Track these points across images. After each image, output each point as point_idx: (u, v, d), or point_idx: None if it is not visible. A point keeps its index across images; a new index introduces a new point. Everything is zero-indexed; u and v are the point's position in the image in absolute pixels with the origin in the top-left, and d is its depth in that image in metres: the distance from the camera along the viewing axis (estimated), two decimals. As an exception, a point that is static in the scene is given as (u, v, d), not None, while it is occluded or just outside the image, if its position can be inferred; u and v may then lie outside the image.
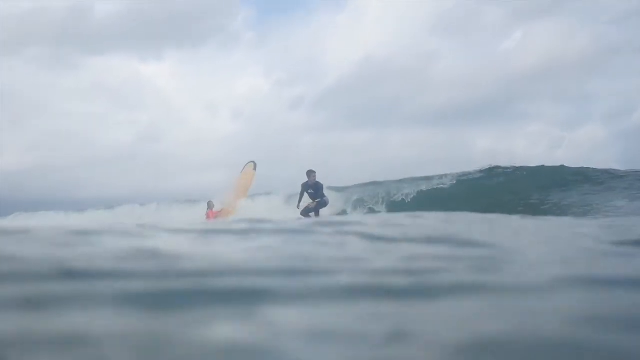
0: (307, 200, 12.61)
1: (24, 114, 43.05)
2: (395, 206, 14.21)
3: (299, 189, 12.78)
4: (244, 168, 16.11)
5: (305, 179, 12.71)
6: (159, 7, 47.49)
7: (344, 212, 14.25)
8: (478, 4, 44.85)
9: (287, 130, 40.81)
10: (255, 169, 15.83)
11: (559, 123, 42.41)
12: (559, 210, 11.70)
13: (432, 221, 3.95)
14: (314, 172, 12.80)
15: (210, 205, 14.66)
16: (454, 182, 14.35)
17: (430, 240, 2.63)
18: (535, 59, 42.91)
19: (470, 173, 14.72)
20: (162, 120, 45.55)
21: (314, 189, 12.64)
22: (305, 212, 12.60)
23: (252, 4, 55.13)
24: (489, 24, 44.88)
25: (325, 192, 12.85)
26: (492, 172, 14.64)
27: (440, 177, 14.61)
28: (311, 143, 37.61)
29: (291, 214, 12.44)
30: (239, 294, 1.34)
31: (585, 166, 14.70)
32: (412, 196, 14.44)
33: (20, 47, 51.63)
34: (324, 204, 12.83)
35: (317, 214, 12.66)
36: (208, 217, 14.13)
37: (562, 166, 14.62)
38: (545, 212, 11.06)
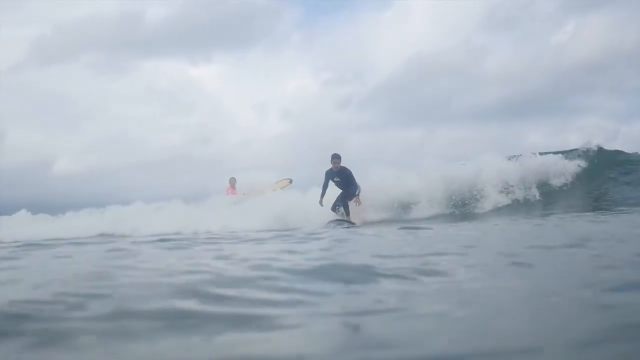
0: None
1: (80, 118, 44.48)
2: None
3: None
4: (280, 180, 15.60)
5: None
6: (207, 11, 47.54)
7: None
8: (529, -4, 42.62)
9: (335, 129, 40.77)
10: (290, 183, 15.24)
11: (613, 116, 40.56)
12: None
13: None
14: (338, 156, 10.82)
15: (231, 182, 14.63)
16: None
17: None
18: (588, 52, 40.61)
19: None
20: (212, 122, 46.78)
21: (340, 176, 10.74)
22: (335, 207, 10.85)
23: (298, 5, 54.53)
24: (541, 17, 42.99)
25: (358, 180, 10.90)
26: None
27: None
28: (360, 142, 37.24)
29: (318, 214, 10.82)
30: None
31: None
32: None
33: (76, 53, 53.12)
34: (350, 195, 10.84)
35: (345, 208, 10.75)
36: (227, 193, 14.46)
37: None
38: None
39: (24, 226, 13.93)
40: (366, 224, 10.59)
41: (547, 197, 11.53)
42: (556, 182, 11.97)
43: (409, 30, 49.45)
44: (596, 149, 12.93)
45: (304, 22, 54.26)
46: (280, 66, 52.51)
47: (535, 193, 11.66)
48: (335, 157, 10.78)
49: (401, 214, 11.52)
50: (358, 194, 10.76)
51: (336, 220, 10.51)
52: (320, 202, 10.81)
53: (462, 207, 11.56)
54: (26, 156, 36.43)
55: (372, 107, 45.41)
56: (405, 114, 43.90)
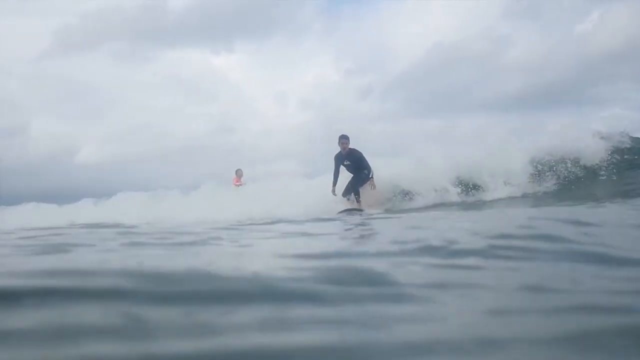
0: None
1: (103, 107, 45.27)
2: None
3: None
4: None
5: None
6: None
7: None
8: (553, -17, 41.21)
9: (356, 118, 41.52)
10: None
11: (637, 107, 40.01)
12: None
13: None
14: (346, 136, 9.93)
15: (238, 174, 14.73)
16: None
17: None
18: (612, 41, 40.05)
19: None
20: (234, 111, 46.66)
21: (350, 159, 9.91)
22: (346, 193, 10.00)
23: None
24: (564, 6, 41.76)
25: (370, 162, 9.95)
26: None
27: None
28: (381, 131, 37.99)
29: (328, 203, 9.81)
30: None
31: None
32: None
33: (99, 43, 55.73)
34: (361, 180, 9.96)
35: (356, 195, 9.86)
36: (233, 183, 14.72)
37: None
38: None
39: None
40: (380, 210, 9.74)
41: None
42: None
43: (431, 19, 50.51)
44: (625, 137, 11.32)
45: (325, 10, 56.03)
46: (301, 55, 54.60)
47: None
48: (343, 138, 9.91)
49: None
50: (372, 177, 9.92)
51: (347, 210, 9.58)
52: (333, 191, 10.04)
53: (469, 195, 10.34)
54: (50, 145, 38.10)
55: (393, 97, 46.29)
56: (426, 103, 45.11)
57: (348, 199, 9.98)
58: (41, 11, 50.95)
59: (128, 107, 44.89)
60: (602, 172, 10.40)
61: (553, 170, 10.38)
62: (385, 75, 48.59)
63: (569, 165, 10.41)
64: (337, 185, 10.11)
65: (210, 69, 49.49)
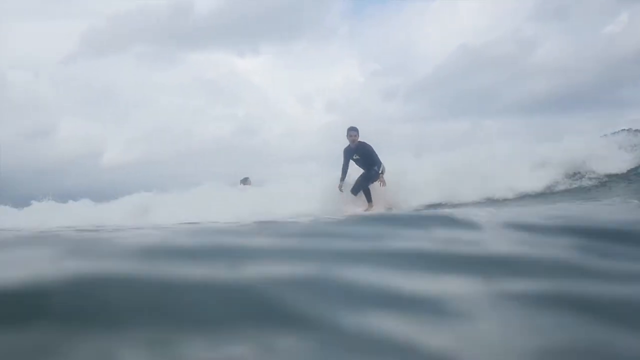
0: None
1: (129, 109, 45.53)
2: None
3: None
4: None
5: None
6: (255, 2, 48.49)
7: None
8: (582, -15, 40.50)
9: (382, 120, 41.15)
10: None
11: None
12: None
13: None
14: (355, 128, 9.30)
15: (245, 183, 14.16)
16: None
17: None
18: None
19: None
20: (259, 113, 47.30)
21: (359, 153, 9.26)
22: (356, 191, 9.33)
23: None
24: (592, 7, 40.90)
25: (381, 157, 9.29)
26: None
27: None
28: (406, 133, 36.92)
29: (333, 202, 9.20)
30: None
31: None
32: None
33: (127, 45, 55.25)
34: (371, 177, 9.21)
35: (367, 194, 9.17)
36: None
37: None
38: None
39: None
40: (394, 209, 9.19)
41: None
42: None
43: (457, 20, 49.04)
44: None
45: (351, 13, 55.21)
46: (327, 57, 54.34)
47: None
48: (352, 130, 9.28)
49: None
50: (382, 173, 9.16)
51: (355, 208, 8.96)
52: (340, 187, 9.43)
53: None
54: (77, 146, 38.19)
55: (418, 99, 45.91)
56: (452, 105, 43.57)
57: (358, 197, 9.37)
58: (69, 13, 50.97)
59: (153, 109, 45.23)
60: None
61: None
62: (411, 77, 47.93)
63: None
64: (345, 181, 9.53)
65: (235, 71, 49.52)
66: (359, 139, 9.36)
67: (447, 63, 43.84)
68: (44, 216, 10.60)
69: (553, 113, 39.25)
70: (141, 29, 48.37)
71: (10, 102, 38.48)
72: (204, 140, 40.46)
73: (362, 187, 9.27)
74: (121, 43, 49.83)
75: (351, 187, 9.42)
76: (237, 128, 45.24)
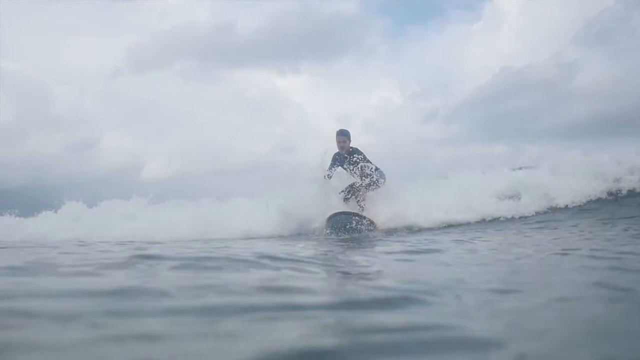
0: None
1: (170, 124, 46.19)
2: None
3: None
4: None
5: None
6: (297, 22, 48.79)
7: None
8: (627, 10, 39.51)
9: (420, 142, 40.47)
10: None
11: None
12: None
13: None
14: (345, 132, 7.83)
15: None
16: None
17: None
18: None
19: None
20: (298, 132, 47.16)
21: (352, 162, 7.76)
22: (346, 197, 7.84)
23: (386, 16, 54.29)
24: (637, 32, 40.13)
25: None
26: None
27: None
28: (445, 156, 36.48)
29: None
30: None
31: None
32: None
33: (170, 61, 55.82)
34: (366, 188, 7.65)
35: (359, 202, 7.64)
36: None
37: None
38: None
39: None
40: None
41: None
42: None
43: (498, 43, 48.56)
44: None
45: (391, 33, 54.56)
46: (366, 78, 53.63)
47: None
48: (341, 134, 7.78)
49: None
50: (374, 186, 7.67)
51: (344, 212, 7.31)
52: (327, 175, 7.75)
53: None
54: (119, 160, 38.46)
55: (457, 121, 44.93)
56: (491, 128, 42.89)
57: (347, 203, 7.90)
58: (116, 30, 51.68)
59: (194, 125, 45.64)
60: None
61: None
62: (451, 99, 47.01)
63: None
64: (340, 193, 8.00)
65: (275, 89, 49.82)
66: (351, 145, 7.91)
67: (488, 86, 43.30)
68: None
69: (596, 138, 38.24)
70: (184, 46, 49.13)
71: (57, 116, 39.14)
72: (243, 157, 40.93)
73: (356, 197, 7.79)
74: (165, 59, 50.62)
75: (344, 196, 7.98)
76: (276, 146, 45.50)
